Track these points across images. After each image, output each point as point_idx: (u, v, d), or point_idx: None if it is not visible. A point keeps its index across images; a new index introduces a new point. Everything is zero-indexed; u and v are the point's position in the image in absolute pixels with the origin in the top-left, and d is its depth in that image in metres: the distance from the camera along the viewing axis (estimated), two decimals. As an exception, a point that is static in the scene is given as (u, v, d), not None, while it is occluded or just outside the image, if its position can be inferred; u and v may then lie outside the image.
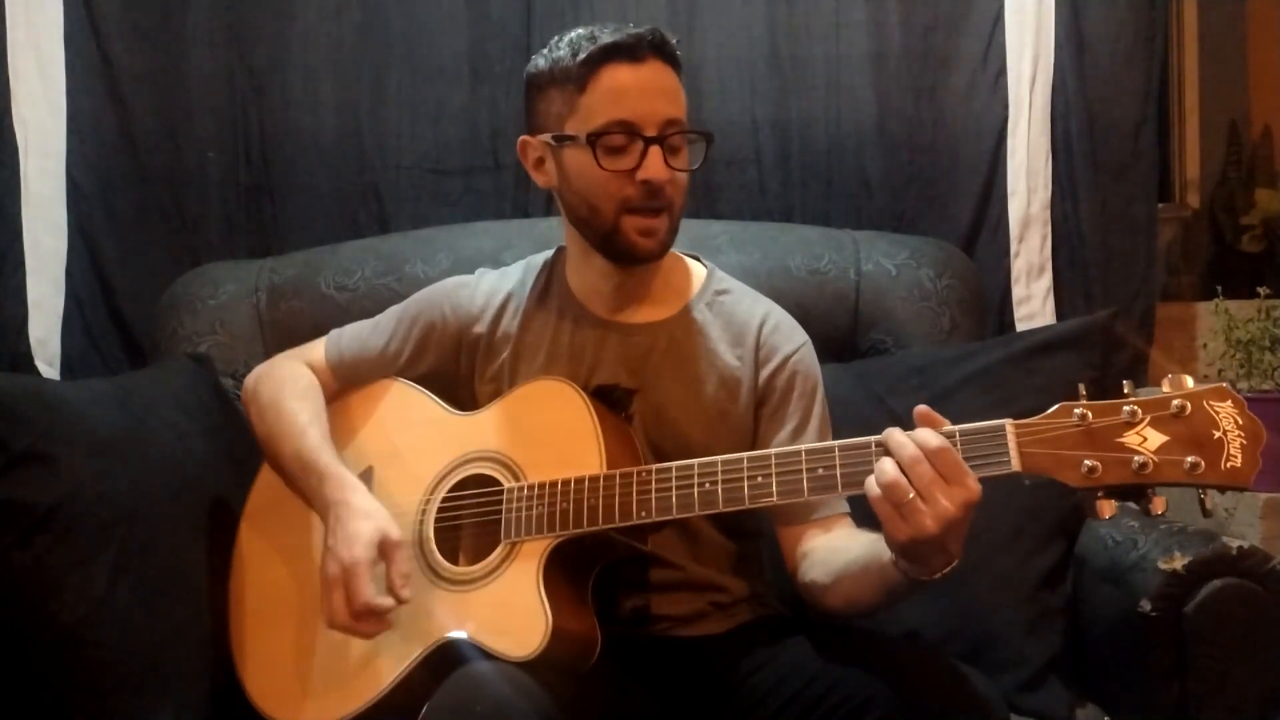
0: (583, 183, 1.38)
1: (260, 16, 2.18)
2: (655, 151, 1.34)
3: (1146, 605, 1.44)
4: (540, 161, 1.44)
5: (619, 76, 1.35)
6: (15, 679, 1.30)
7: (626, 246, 1.38)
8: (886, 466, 1.11)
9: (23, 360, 2.06)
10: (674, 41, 1.38)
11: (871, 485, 1.12)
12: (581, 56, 1.35)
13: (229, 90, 2.17)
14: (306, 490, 1.40)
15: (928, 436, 1.11)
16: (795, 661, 1.29)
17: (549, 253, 1.54)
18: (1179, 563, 1.43)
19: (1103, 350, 1.73)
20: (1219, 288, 2.20)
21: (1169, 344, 2.43)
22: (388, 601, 1.26)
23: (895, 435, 1.13)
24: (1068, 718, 1.58)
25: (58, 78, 2.11)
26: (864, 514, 1.34)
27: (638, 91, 1.34)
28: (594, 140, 1.34)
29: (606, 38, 1.35)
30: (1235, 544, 1.44)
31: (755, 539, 1.50)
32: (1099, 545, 1.61)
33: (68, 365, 2.10)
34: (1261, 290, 2.15)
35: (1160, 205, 2.38)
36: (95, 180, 2.14)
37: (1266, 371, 2.11)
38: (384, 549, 1.29)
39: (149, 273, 2.11)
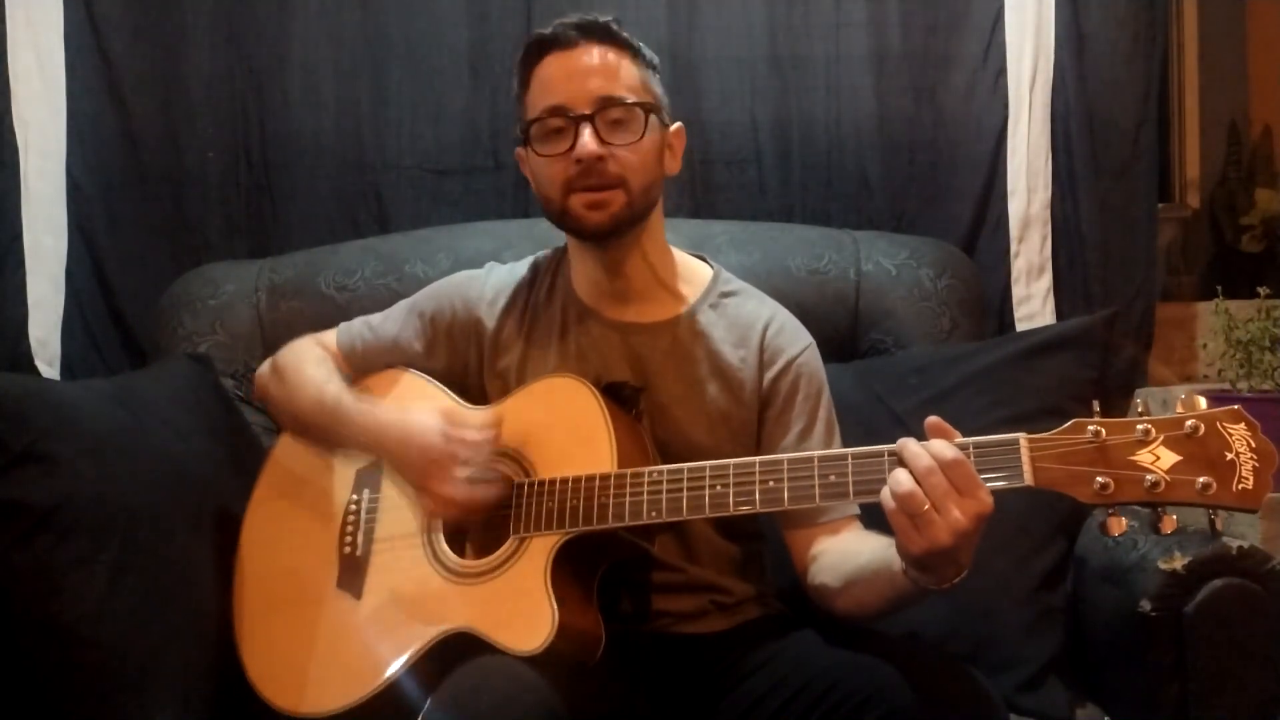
0: (536, 177, 1.42)
1: (260, 16, 2.18)
2: (585, 128, 1.35)
3: (1146, 605, 1.44)
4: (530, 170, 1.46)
5: (551, 65, 1.38)
6: (15, 679, 1.30)
7: (576, 223, 1.39)
8: (901, 478, 1.11)
9: (23, 360, 2.06)
10: (609, 21, 1.39)
11: (886, 497, 1.12)
12: (519, 58, 1.41)
13: (229, 90, 2.17)
14: (337, 438, 1.43)
15: (942, 448, 1.11)
16: (795, 660, 1.29)
17: (556, 250, 1.55)
18: (1179, 563, 1.43)
19: (1102, 350, 1.73)
20: (1219, 288, 2.20)
21: (1169, 344, 2.43)
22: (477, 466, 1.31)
23: (910, 446, 1.13)
24: (1068, 718, 1.57)
25: (58, 78, 2.11)
26: (872, 518, 1.34)
27: (566, 75, 1.37)
28: (527, 130, 1.38)
29: (539, 34, 1.39)
30: (1235, 544, 1.44)
31: (757, 541, 1.49)
32: (1099, 545, 1.60)
33: (68, 365, 2.10)
34: (1261, 290, 2.16)
35: (1160, 205, 2.39)
36: (95, 180, 2.14)
37: (1266, 371, 2.11)
38: (449, 438, 1.32)
39: (149, 273, 2.11)
